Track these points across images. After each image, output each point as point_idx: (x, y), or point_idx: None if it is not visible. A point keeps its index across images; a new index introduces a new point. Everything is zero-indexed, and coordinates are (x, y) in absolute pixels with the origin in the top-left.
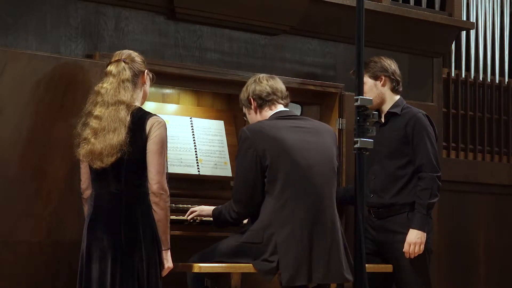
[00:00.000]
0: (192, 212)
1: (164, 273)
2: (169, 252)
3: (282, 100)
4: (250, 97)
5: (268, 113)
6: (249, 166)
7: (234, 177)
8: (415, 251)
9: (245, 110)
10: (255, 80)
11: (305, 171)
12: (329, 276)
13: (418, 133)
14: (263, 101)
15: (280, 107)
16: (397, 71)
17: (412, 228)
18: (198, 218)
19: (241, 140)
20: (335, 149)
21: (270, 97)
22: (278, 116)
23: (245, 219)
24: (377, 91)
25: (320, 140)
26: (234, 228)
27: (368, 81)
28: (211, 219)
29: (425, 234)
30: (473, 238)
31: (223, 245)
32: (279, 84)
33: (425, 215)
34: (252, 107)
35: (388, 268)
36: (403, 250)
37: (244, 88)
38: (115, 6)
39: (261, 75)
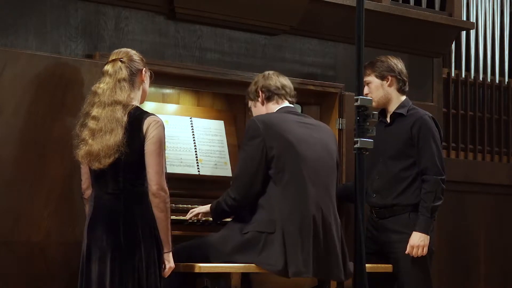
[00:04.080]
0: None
1: (166, 274)
2: (170, 253)
3: (289, 97)
4: (259, 90)
5: (274, 106)
6: (254, 154)
7: (237, 163)
8: (418, 254)
9: (251, 103)
10: (264, 76)
11: (312, 163)
12: (327, 272)
13: (423, 136)
14: (271, 93)
15: (286, 103)
16: (404, 70)
17: (416, 231)
18: (199, 215)
19: (250, 128)
20: (335, 147)
21: (279, 91)
22: (285, 110)
23: (240, 208)
24: (383, 91)
25: (323, 136)
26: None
27: (374, 80)
28: (211, 218)
29: (429, 237)
30: (473, 238)
31: (225, 243)
32: (287, 81)
33: (429, 218)
34: (260, 99)
35: (388, 268)
36: (406, 252)
37: (253, 82)
38: (115, 6)
39: (270, 71)
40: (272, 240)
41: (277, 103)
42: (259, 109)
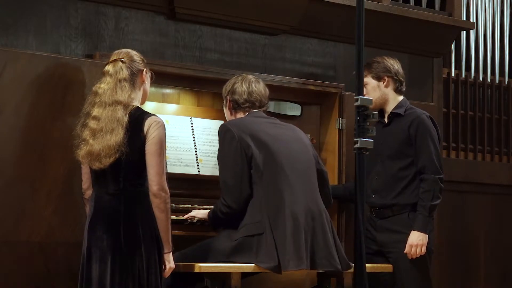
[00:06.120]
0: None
1: (167, 274)
2: (171, 254)
3: (258, 108)
4: (228, 97)
5: (241, 115)
6: (235, 157)
7: (219, 171)
8: (417, 253)
9: (224, 101)
10: (238, 81)
11: (290, 159)
12: (322, 263)
13: (421, 135)
14: (238, 106)
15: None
16: (400, 71)
17: (414, 230)
18: (197, 217)
19: (222, 133)
20: (309, 142)
21: (246, 104)
22: (254, 115)
23: (235, 213)
24: (380, 92)
25: (296, 134)
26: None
27: (371, 81)
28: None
29: (427, 236)
30: (473, 238)
31: (218, 246)
32: (260, 92)
33: (427, 217)
34: (227, 107)
35: (388, 268)
36: (405, 251)
37: (228, 82)
38: (115, 6)
39: (249, 77)
40: (264, 240)
41: (244, 113)
42: (227, 113)
